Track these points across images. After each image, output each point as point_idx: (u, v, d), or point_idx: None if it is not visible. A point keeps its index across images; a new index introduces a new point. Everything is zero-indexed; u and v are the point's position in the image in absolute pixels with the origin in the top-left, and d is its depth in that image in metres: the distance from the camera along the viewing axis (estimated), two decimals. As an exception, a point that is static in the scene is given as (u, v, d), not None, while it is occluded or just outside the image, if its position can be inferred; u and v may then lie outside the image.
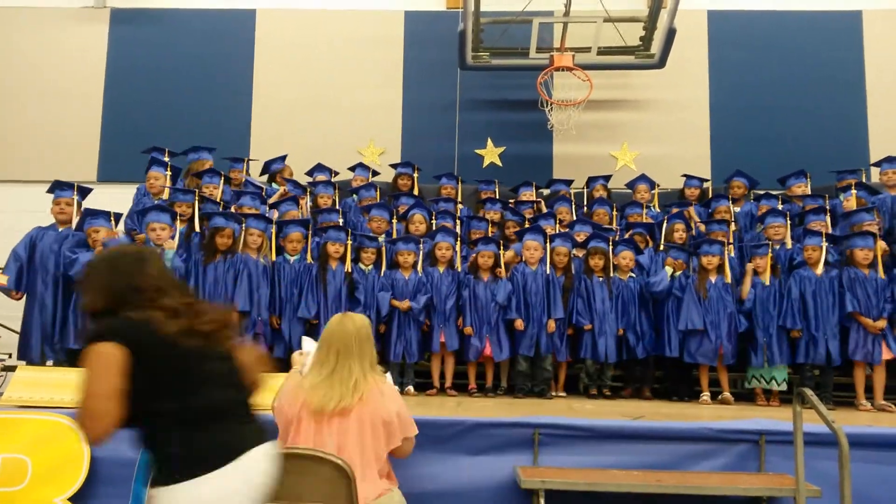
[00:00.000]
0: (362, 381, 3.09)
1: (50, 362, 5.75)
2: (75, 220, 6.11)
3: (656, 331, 6.42)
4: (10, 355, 5.88)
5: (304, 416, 3.08)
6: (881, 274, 6.03)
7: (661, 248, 6.79)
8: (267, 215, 6.59)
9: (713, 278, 6.25)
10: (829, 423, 3.29)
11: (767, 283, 6.21)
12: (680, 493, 3.78)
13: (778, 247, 6.58)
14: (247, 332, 5.91)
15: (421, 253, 6.48)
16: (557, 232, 6.81)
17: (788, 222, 6.76)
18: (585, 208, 7.91)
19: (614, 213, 7.64)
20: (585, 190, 8.36)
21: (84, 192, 6.34)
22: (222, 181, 7.19)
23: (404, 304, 6.21)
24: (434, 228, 6.81)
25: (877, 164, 7.57)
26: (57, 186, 6.25)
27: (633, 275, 6.53)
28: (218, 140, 8.23)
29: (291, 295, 6.19)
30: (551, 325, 6.15)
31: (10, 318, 6.84)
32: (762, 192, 7.69)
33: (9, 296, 5.97)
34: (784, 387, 6.06)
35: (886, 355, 5.90)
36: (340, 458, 2.86)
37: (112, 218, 6.05)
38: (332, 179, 7.98)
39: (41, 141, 9.62)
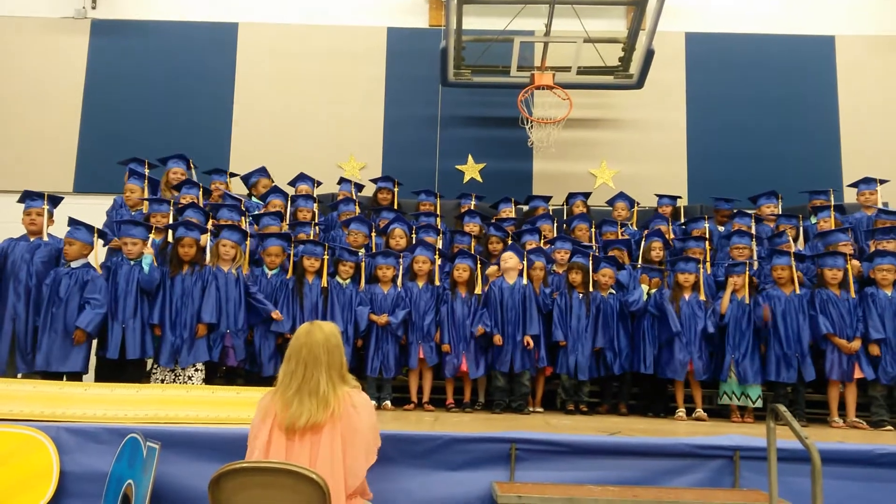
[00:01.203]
0: (332, 394, 3.01)
1: (19, 374, 5.64)
2: (46, 231, 6.03)
3: (632, 347, 6.45)
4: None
5: (274, 432, 3.01)
6: (852, 294, 6.11)
7: (638, 265, 6.84)
8: (246, 228, 6.54)
9: (687, 295, 6.31)
10: (802, 440, 3.31)
11: (748, 300, 6.27)
12: (655, 509, 3.77)
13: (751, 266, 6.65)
14: (214, 346, 5.85)
15: (401, 268, 6.47)
16: (536, 247, 6.84)
17: (754, 243, 6.85)
18: (565, 225, 7.97)
19: (593, 229, 7.70)
20: (565, 207, 8.43)
21: (55, 201, 6.26)
22: (201, 193, 7.15)
23: (382, 319, 6.18)
24: (414, 243, 6.82)
25: (854, 185, 7.72)
26: (27, 196, 6.15)
27: (613, 291, 6.57)
28: (198, 152, 8.19)
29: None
30: (528, 340, 6.16)
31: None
32: (735, 211, 7.81)
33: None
34: (760, 403, 6.11)
35: (857, 374, 5.97)
36: (315, 472, 2.81)
37: (96, 232, 5.96)
38: (315, 191, 7.97)
39: (16, 150, 9.52)
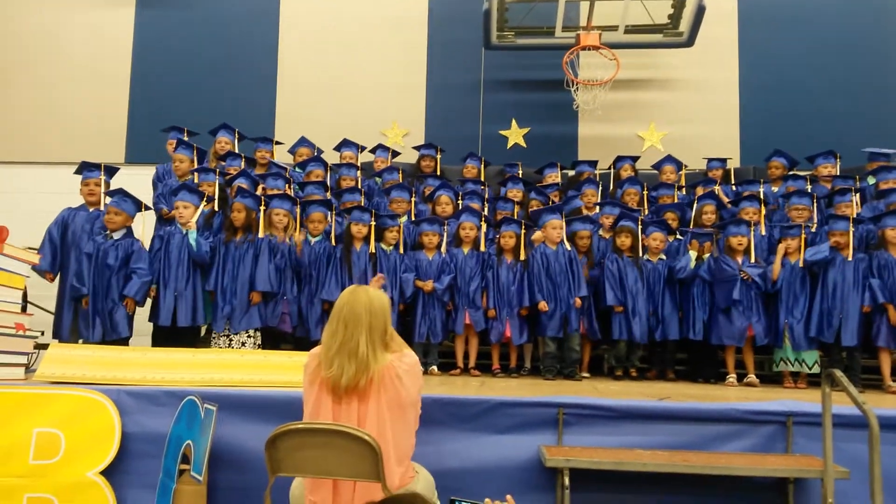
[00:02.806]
0: (372, 358, 2.96)
1: (81, 340, 5.85)
2: (103, 201, 6.18)
3: (680, 313, 6.35)
4: (42, 333, 5.99)
5: (322, 394, 3.03)
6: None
7: (689, 230, 6.69)
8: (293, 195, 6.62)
9: (740, 259, 6.18)
10: (859, 405, 3.24)
11: (801, 264, 6.11)
12: (706, 473, 3.75)
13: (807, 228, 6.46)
14: (270, 313, 5.96)
15: (446, 234, 6.47)
16: (582, 215, 6.75)
17: (815, 204, 6.64)
18: (612, 189, 7.83)
19: (644, 192, 7.56)
20: (612, 171, 8.28)
21: (111, 172, 6.43)
22: (243, 162, 7.24)
23: (428, 285, 6.21)
24: (460, 209, 6.80)
25: (911, 144, 7.40)
26: (84, 167, 6.34)
27: (664, 257, 6.47)
28: (243, 121, 8.27)
29: (311, 277, 6.22)
30: (578, 302, 6.11)
31: (40, 297, 6.97)
32: (790, 173, 7.57)
33: (43, 277, 6.08)
34: (816, 369, 5.98)
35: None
36: (367, 433, 2.85)
37: (143, 207, 6.09)
38: (359, 158, 7.99)
39: (68, 123, 9.76)
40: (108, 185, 6.31)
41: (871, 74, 9.29)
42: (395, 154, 8.37)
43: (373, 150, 8.25)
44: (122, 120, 9.79)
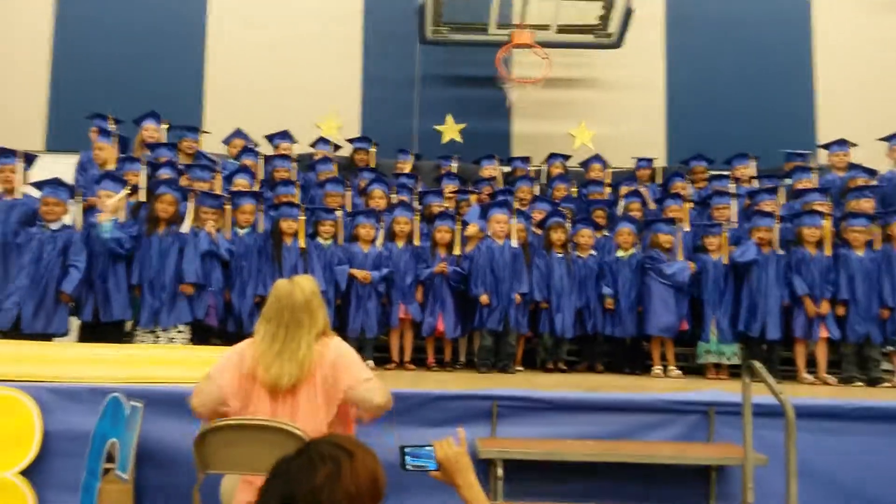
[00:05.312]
0: (310, 356, 2.91)
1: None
2: (19, 189, 5.90)
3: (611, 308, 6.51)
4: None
5: (255, 389, 2.93)
6: (828, 252, 6.21)
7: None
8: (220, 186, 6.48)
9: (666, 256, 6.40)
10: (776, 395, 3.41)
11: (726, 261, 6.35)
12: (633, 461, 3.89)
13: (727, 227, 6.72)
14: (197, 306, 5.82)
15: (382, 229, 6.45)
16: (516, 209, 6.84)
17: (735, 203, 6.92)
18: (545, 186, 7.97)
19: (573, 190, 7.71)
20: (544, 167, 8.41)
21: (30, 159, 6.12)
22: (180, 155, 7.04)
23: (363, 274, 6.17)
24: (393, 203, 6.79)
25: (826, 147, 7.77)
26: (1, 154, 6.02)
27: (593, 252, 6.62)
28: (171, 109, 8.01)
29: (241, 269, 6.10)
30: (518, 298, 6.19)
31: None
32: (715, 174, 7.85)
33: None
34: (736, 360, 6.24)
35: (824, 334, 6.11)
36: (298, 427, 2.82)
37: (74, 194, 5.86)
38: (293, 149, 7.87)
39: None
40: (26, 173, 6.01)
41: (792, 77, 9.72)
42: (337, 148, 8.28)
43: (313, 144, 8.14)
44: (43, 105, 9.35)
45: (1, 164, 5.97)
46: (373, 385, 2.93)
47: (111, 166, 6.66)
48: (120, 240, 5.69)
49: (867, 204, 6.49)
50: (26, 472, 3.65)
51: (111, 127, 7.19)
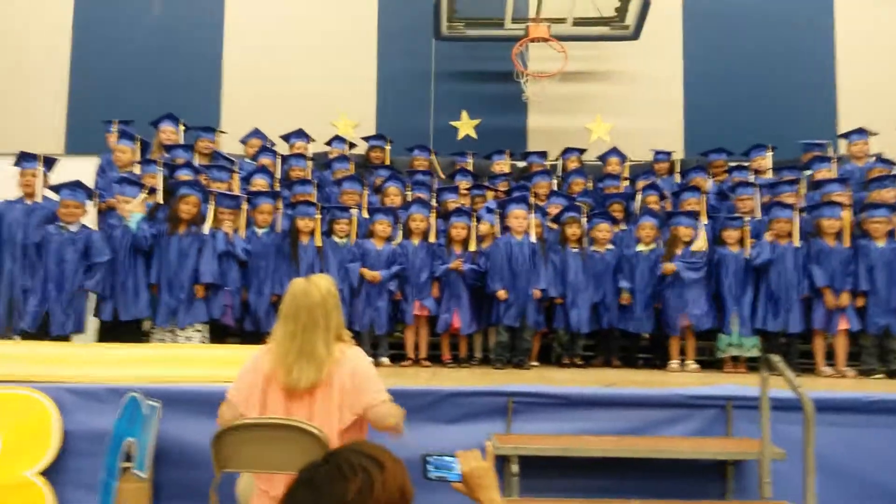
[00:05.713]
0: (327, 356, 2.92)
1: (16, 336, 5.66)
2: (40, 193, 5.99)
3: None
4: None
5: (271, 389, 2.96)
6: (846, 243, 6.11)
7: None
8: (237, 186, 6.52)
9: (680, 251, 6.34)
10: (795, 388, 3.37)
11: (747, 254, 6.28)
12: (650, 457, 3.86)
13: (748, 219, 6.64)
14: (214, 305, 5.88)
15: (399, 227, 6.46)
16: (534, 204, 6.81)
17: (758, 194, 6.83)
18: (561, 180, 7.92)
19: (590, 184, 7.67)
20: (560, 162, 8.37)
21: (50, 163, 6.21)
22: (196, 157, 7.09)
23: (372, 275, 6.17)
24: (409, 201, 6.79)
25: (845, 136, 7.66)
26: (22, 158, 6.11)
27: (611, 246, 6.57)
28: (188, 111, 8.07)
29: (258, 268, 6.14)
30: (536, 293, 6.17)
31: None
32: (735, 165, 7.76)
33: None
34: (755, 352, 6.17)
35: (843, 325, 6.02)
36: (314, 425, 2.83)
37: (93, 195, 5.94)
38: (308, 148, 7.89)
39: (5, 112, 9.39)
40: (46, 176, 6.10)
41: (812, 69, 9.56)
42: (352, 146, 8.31)
43: (329, 143, 8.17)
44: (63, 109, 9.48)
45: (23, 168, 6.07)
46: (388, 409, 2.98)
47: (131, 168, 6.74)
48: (144, 231, 5.78)
49: (888, 194, 6.38)
50: (46, 472, 3.70)
51: (114, 129, 7.21)
